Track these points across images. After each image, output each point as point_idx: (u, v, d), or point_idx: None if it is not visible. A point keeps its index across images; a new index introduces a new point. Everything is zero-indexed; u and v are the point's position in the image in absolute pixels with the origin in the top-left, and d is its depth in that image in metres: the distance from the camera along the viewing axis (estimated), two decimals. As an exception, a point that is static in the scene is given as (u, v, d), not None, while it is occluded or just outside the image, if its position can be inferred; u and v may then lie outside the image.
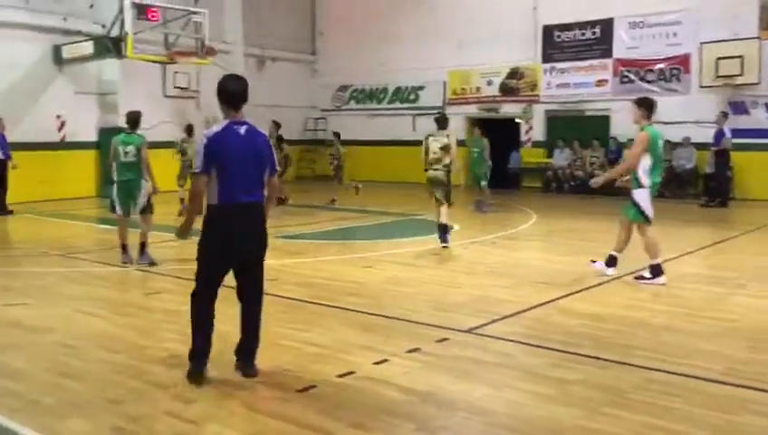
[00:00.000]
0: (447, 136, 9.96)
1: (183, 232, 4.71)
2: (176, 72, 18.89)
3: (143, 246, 8.58)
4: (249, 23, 21.03)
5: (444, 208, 9.79)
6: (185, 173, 13.55)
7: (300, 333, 5.59)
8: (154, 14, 15.64)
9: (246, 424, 3.97)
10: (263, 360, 4.87)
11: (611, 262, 7.78)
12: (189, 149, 13.52)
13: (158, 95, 18.93)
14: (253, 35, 21.24)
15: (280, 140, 15.42)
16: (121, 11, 15.31)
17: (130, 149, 8.48)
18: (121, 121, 17.51)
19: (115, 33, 15.64)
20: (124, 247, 8.64)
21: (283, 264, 8.59)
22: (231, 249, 4.45)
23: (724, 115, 15.22)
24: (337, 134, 16.60)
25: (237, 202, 4.39)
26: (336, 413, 3.98)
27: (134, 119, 8.84)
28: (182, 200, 13.72)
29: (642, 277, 7.43)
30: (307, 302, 6.70)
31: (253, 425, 3.95)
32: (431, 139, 9.96)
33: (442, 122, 10.13)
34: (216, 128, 4.44)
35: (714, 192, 15.01)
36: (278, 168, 4.65)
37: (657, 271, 7.36)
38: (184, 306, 6.41)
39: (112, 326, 5.95)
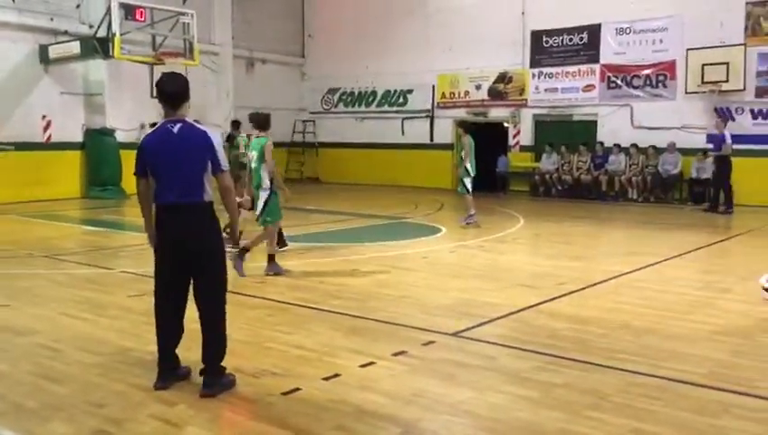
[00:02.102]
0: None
1: (149, 236, 4.58)
2: (163, 73, 18.79)
3: (270, 257, 8.09)
4: (238, 24, 21.04)
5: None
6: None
7: (285, 336, 5.58)
8: (141, 14, 15.58)
9: (230, 427, 3.96)
10: (248, 362, 4.87)
11: None
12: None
13: (146, 96, 18.74)
14: (241, 37, 21.24)
15: (229, 139, 14.83)
16: (109, 11, 15.26)
17: (254, 153, 8.00)
18: (108, 122, 17.70)
19: (102, 33, 15.60)
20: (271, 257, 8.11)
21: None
22: (168, 250, 4.38)
23: (724, 121, 15.34)
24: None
25: (169, 203, 4.31)
26: (320, 416, 3.98)
27: (258, 120, 8.15)
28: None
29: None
30: (293, 304, 6.68)
31: (236, 428, 3.94)
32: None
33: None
34: (152, 130, 4.45)
35: (715, 199, 15.02)
36: (225, 167, 4.41)
37: None
38: (169, 308, 6.44)
39: (96, 328, 5.91)
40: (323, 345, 5.35)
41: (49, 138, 17.13)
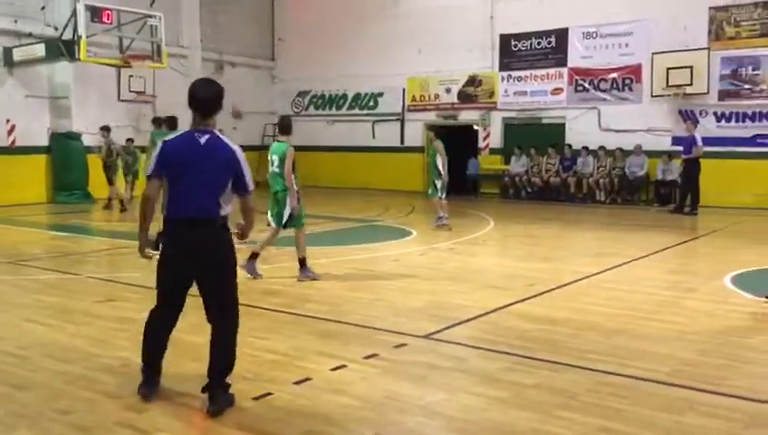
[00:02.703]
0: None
1: (140, 245, 4.25)
2: (131, 76, 18.60)
3: (301, 261, 7.97)
4: (207, 27, 20.88)
5: None
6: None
7: (257, 341, 5.54)
8: (108, 16, 15.39)
9: (201, 433, 3.92)
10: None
11: None
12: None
13: (113, 99, 18.63)
14: (210, 40, 21.09)
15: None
16: (74, 13, 15.04)
17: (274, 158, 7.86)
18: (74, 126, 17.43)
19: (68, 35, 15.36)
20: (302, 261, 7.99)
21: (240, 270, 8.50)
22: (176, 265, 4.15)
23: (695, 123, 15.63)
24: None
25: (184, 217, 4.05)
26: (291, 421, 3.96)
27: (282, 125, 8.13)
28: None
29: None
30: (265, 309, 6.65)
31: (207, 434, 3.90)
32: None
33: None
34: (172, 135, 4.18)
35: (682, 200, 15.26)
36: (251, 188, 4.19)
37: None
38: (137, 314, 6.34)
39: (63, 335, 5.81)
40: (295, 349, 5.33)
41: (13, 142, 16.82)
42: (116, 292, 7.43)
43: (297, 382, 4.57)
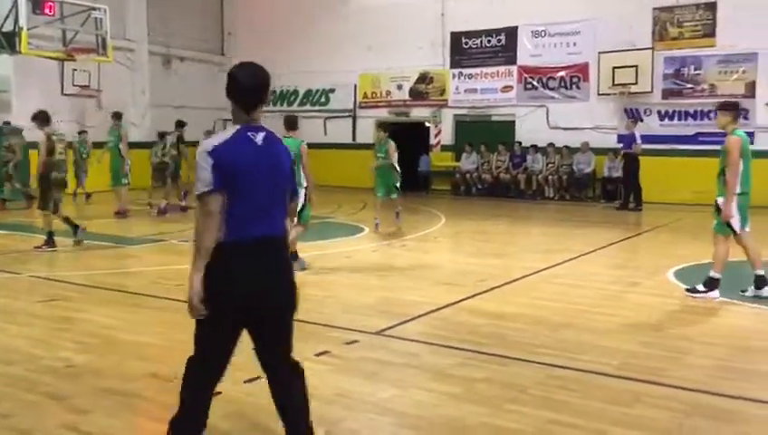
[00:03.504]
0: None
1: (193, 293, 3.14)
2: (75, 70, 18.07)
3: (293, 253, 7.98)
4: (154, 20, 20.46)
5: None
6: None
7: (205, 339, 5.45)
8: (51, 8, 14.92)
9: (146, 434, 3.84)
10: (165, 367, 4.73)
11: (761, 283, 6.90)
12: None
13: (56, 93, 18.05)
14: (158, 33, 20.66)
15: (180, 140, 14.95)
16: (15, 4, 14.51)
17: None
18: (14, 120, 16.86)
19: (8, 27, 14.82)
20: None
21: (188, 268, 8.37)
22: (237, 301, 3.17)
23: (634, 121, 16.02)
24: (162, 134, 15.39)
25: (251, 236, 3.13)
26: (241, 419, 3.91)
27: (290, 121, 8.46)
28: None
29: (695, 290, 6.98)
30: (213, 307, 6.53)
31: (154, 435, 3.82)
32: None
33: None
34: (221, 135, 3.22)
35: (626, 196, 15.60)
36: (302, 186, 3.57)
37: (714, 284, 6.87)
38: (81, 314, 6.21)
39: (4, 336, 5.62)
40: (245, 347, 5.25)
41: (-50, 136, 16.19)
42: (58, 291, 7.21)
43: (247, 381, 4.50)
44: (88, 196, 16.57)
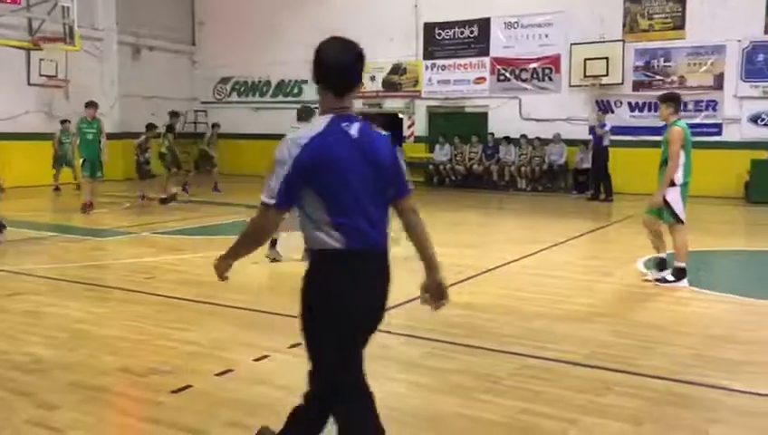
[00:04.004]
0: None
1: (221, 269, 2.94)
2: (41, 60, 17.73)
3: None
4: (123, 9, 20.13)
5: None
6: None
7: (177, 333, 5.40)
8: (16, -4, 14.63)
9: (116, 430, 3.79)
10: (135, 361, 4.68)
11: (663, 268, 7.21)
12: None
13: (22, 83, 17.73)
14: (127, 23, 20.34)
15: (170, 130, 15.00)
16: (-22, -8, 14.21)
17: None
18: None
19: (-28, 15, 14.52)
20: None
21: (160, 260, 8.29)
22: (355, 322, 2.85)
23: (603, 113, 16.19)
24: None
25: (357, 249, 2.73)
26: (212, 413, 3.87)
27: (307, 112, 8.41)
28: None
29: (664, 280, 7.07)
30: (186, 300, 6.48)
31: (122, 431, 3.78)
32: None
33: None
34: (311, 128, 2.74)
35: (597, 187, 15.77)
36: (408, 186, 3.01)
37: (681, 274, 6.99)
38: (47, 308, 6.11)
39: (-33, 331, 5.50)
40: (216, 340, 5.22)
41: None
42: (23, 284, 7.07)
43: (219, 374, 4.47)
44: (56, 188, 16.32)
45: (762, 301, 6.63)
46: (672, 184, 6.93)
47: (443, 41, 19.26)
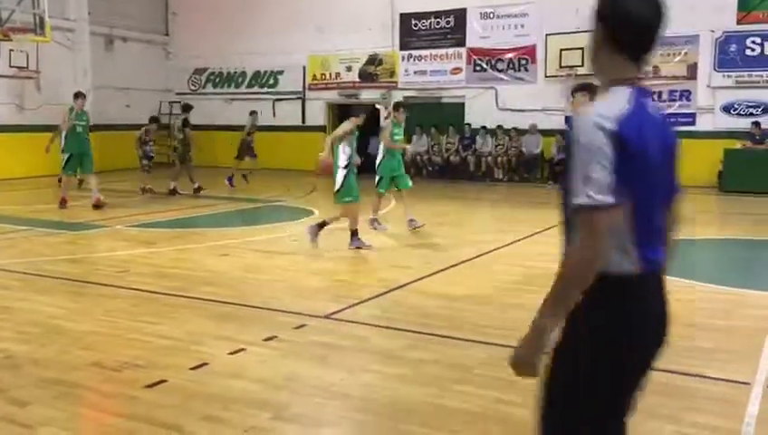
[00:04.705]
0: None
1: (539, 347, 2.14)
2: (11, 50, 17.41)
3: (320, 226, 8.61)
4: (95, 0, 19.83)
5: None
6: None
7: (150, 326, 5.35)
8: (-16, -15, 14.33)
9: (89, 426, 3.75)
10: (108, 356, 4.63)
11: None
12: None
13: (-8, 75, 17.43)
14: (99, 13, 20.02)
15: (186, 123, 15.01)
16: (-55, -19, 13.91)
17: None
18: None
19: (-62, 5, 14.20)
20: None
21: (134, 254, 8.20)
22: (642, 354, 2.19)
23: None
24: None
25: (659, 263, 2.17)
26: (187, 407, 3.84)
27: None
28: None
29: None
30: (160, 293, 6.42)
31: (96, 426, 3.74)
32: None
33: None
34: (612, 101, 2.04)
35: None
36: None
37: None
38: (17, 302, 6.02)
39: (-64, 328, 5.41)
40: (191, 334, 5.18)
41: None
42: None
43: (194, 368, 4.44)
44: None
45: (734, 289, 6.73)
46: None
47: (419, 31, 19.22)
